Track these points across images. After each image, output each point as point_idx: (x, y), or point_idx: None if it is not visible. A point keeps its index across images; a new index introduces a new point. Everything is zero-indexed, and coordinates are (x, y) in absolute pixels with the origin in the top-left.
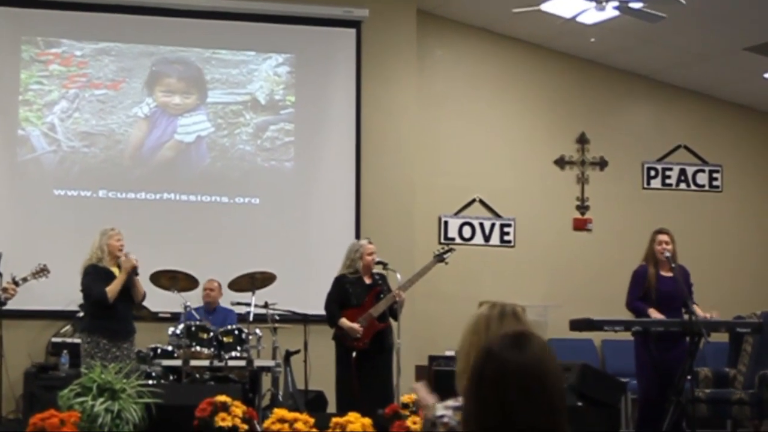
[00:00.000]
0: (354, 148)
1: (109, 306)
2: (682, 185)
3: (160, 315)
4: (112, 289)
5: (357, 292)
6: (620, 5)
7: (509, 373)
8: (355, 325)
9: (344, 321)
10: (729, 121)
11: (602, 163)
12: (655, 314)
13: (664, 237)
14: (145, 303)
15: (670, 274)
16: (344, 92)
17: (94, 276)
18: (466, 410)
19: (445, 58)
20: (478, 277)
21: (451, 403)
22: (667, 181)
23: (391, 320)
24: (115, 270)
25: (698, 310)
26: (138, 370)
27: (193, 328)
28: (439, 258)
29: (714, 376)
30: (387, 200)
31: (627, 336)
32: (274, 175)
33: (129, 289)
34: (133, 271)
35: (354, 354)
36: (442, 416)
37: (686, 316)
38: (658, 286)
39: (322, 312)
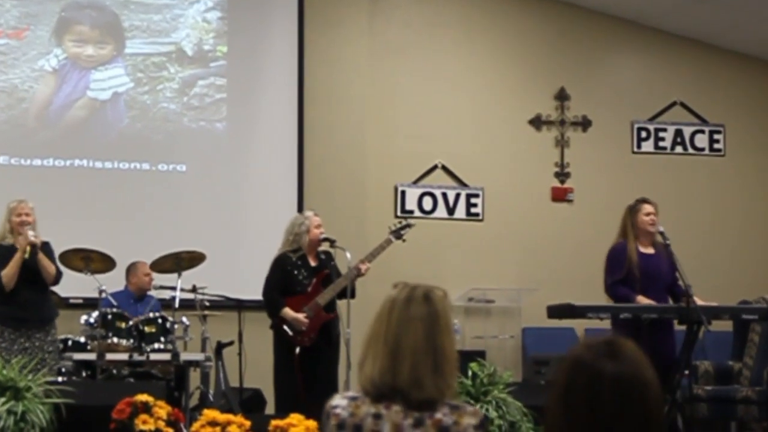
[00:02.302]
0: (296, 107)
1: (10, 291)
2: (678, 148)
3: (71, 301)
4: (6, 274)
5: (302, 276)
6: None
7: (604, 385)
8: (300, 316)
9: (287, 311)
10: (732, 74)
11: (585, 123)
12: (644, 302)
13: (651, 207)
14: (53, 288)
15: (651, 251)
16: (284, 41)
17: None
18: (549, 423)
19: (401, 1)
20: (440, 256)
21: (351, 393)
22: (661, 143)
23: (339, 305)
24: None
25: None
26: (45, 363)
27: (110, 317)
28: (396, 234)
29: (716, 370)
30: (334, 167)
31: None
32: (203, 138)
33: (37, 271)
34: (33, 250)
35: (297, 350)
36: (335, 407)
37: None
38: (641, 264)
39: (260, 297)
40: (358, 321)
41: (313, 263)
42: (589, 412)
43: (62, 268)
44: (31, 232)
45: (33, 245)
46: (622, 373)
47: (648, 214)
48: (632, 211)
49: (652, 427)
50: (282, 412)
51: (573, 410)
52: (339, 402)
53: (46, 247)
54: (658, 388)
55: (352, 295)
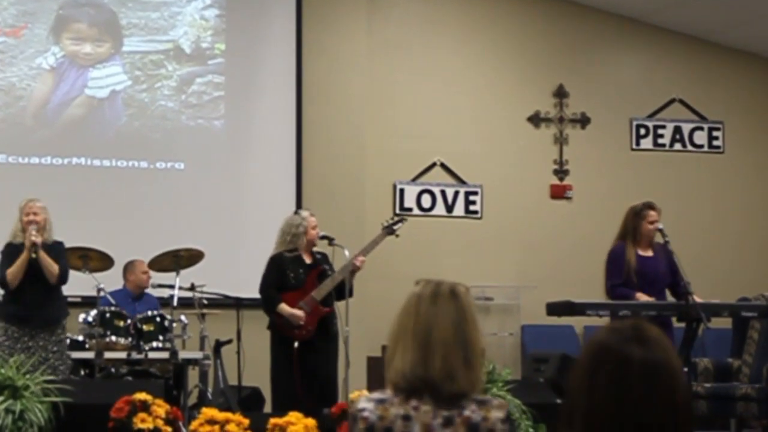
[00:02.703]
0: (294, 105)
1: (17, 290)
2: (677, 145)
3: (69, 299)
4: (11, 272)
5: (296, 273)
6: None
7: (632, 370)
8: (297, 312)
9: (284, 307)
10: (731, 71)
11: (584, 121)
12: (644, 299)
13: (656, 215)
14: None
15: (650, 253)
16: (282, 39)
17: (5, 255)
18: (570, 408)
19: None
20: (439, 253)
21: (376, 395)
22: (660, 140)
23: (337, 304)
24: None
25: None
26: (47, 362)
27: (108, 315)
28: (389, 230)
29: (715, 367)
30: (333, 165)
31: None
32: (201, 136)
33: (41, 270)
34: (33, 249)
35: (296, 344)
36: (362, 410)
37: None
38: (639, 268)
39: (258, 295)
40: (356, 319)
41: (307, 260)
42: (616, 398)
43: None
44: (33, 231)
45: (34, 244)
46: (651, 359)
47: (653, 222)
48: (637, 215)
49: (680, 414)
50: (280, 410)
51: (598, 396)
52: (366, 405)
53: (57, 246)
54: (684, 375)
55: (350, 294)
